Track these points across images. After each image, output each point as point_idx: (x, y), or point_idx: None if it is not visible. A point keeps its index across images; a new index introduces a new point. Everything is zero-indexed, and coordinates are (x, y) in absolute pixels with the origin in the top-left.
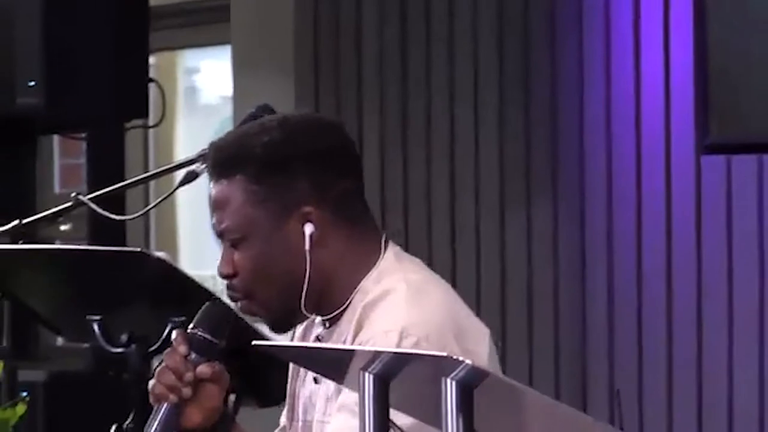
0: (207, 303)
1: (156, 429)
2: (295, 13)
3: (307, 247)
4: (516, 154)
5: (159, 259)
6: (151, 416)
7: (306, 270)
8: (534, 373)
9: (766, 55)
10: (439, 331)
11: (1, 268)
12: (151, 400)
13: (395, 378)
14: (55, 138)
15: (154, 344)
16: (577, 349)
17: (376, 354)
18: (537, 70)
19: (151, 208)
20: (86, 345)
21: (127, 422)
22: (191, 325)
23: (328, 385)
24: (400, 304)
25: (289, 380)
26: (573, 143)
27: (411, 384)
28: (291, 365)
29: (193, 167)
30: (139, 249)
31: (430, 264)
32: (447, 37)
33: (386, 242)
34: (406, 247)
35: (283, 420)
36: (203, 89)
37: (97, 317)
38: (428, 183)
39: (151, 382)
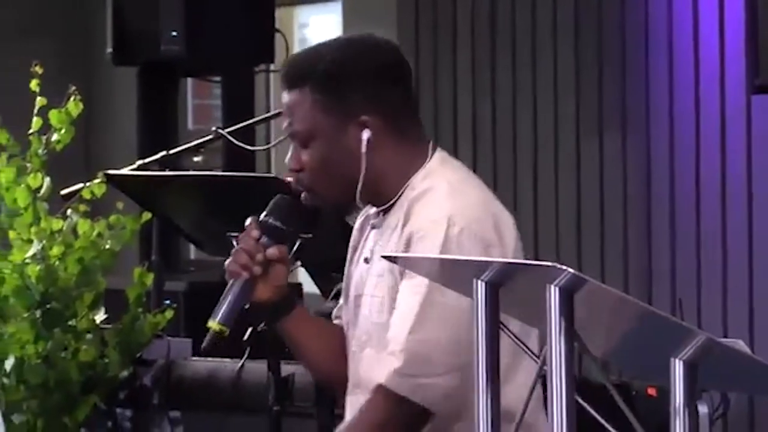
0: (277, 195)
1: (230, 300)
2: None
3: (363, 150)
4: (590, 91)
5: (290, 183)
6: (226, 290)
7: (362, 170)
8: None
9: None
10: (479, 219)
11: (153, 191)
12: (226, 276)
13: (504, 285)
14: (189, 81)
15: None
16: (644, 262)
17: (488, 263)
18: (608, 22)
19: (283, 140)
20: (221, 258)
21: (260, 326)
22: (263, 214)
23: (379, 264)
24: (442, 197)
25: (346, 265)
26: (640, 82)
27: (518, 290)
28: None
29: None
30: (273, 174)
31: (515, 183)
32: None
33: (434, 148)
34: (495, 167)
35: (341, 300)
36: (312, 41)
37: (236, 234)
38: (513, 124)
39: (227, 261)
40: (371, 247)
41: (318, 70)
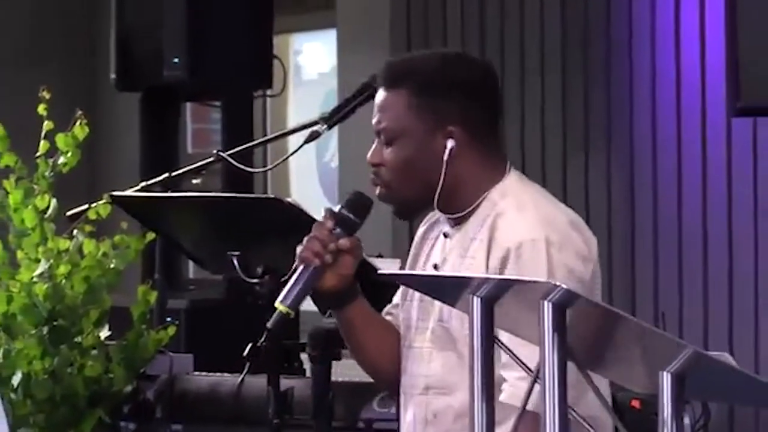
0: (354, 191)
1: (300, 286)
2: (391, 3)
3: (445, 158)
4: (576, 113)
5: (290, 204)
6: (295, 275)
7: (441, 176)
8: None
9: None
10: (571, 236)
11: (156, 212)
12: (297, 262)
13: (498, 301)
14: (188, 106)
15: (285, 276)
16: (628, 278)
17: (484, 280)
18: (593, 42)
19: (282, 161)
20: (220, 276)
21: (260, 341)
22: (338, 206)
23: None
24: (532, 215)
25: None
26: (624, 102)
27: (512, 306)
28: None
29: (316, 128)
30: (273, 195)
31: None
32: (519, 18)
33: (510, 167)
34: None
35: (396, 299)
36: (305, 67)
37: (236, 253)
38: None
39: (299, 248)
40: (442, 255)
41: (418, 75)
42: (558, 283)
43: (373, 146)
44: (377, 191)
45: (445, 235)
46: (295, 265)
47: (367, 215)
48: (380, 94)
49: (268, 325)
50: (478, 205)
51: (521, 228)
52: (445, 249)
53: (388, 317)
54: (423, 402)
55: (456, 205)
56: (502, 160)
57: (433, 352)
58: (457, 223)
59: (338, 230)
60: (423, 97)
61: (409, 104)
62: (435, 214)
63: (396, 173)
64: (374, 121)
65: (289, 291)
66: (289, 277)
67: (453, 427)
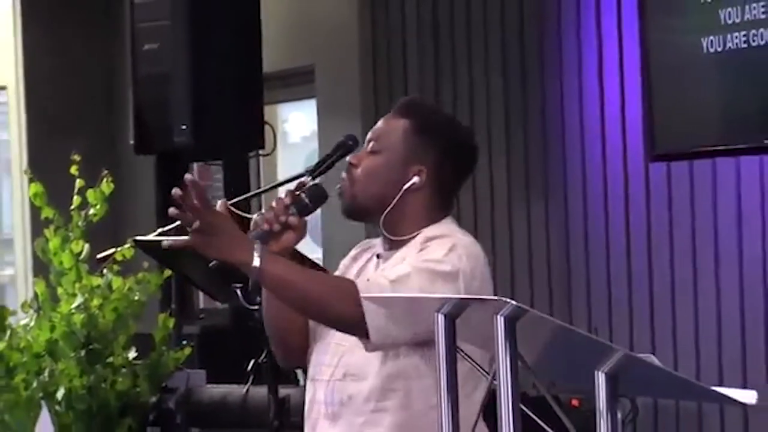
0: (316, 182)
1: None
2: (360, 77)
3: (405, 186)
4: (518, 167)
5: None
6: (248, 235)
7: (394, 199)
8: None
9: (692, 94)
10: (477, 254)
11: (171, 253)
12: (251, 226)
13: (460, 317)
14: (195, 166)
15: None
16: (565, 300)
17: (446, 299)
18: (532, 108)
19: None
20: (226, 305)
21: (261, 358)
22: (298, 191)
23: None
24: (452, 240)
25: None
26: (557, 154)
27: (471, 320)
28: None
29: (302, 179)
30: None
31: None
32: (468, 81)
33: (449, 217)
34: None
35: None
36: (290, 132)
37: (239, 285)
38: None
39: (256, 215)
40: (374, 272)
41: (424, 119)
42: (509, 300)
43: (357, 152)
44: (339, 188)
45: (378, 257)
46: (252, 226)
47: (320, 204)
48: (388, 116)
49: (211, 265)
50: (412, 237)
51: (438, 245)
52: (377, 268)
53: None
54: (340, 386)
55: (396, 230)
56: (447, 211)
57: (356, 346)
58: (392, 247)
59: (293, 209)
60: (417, 134)
61: (405, 132)
62: (368, 242)
63: (364, 176)
64: (372, 131)
65: None
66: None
67: (363, 407)
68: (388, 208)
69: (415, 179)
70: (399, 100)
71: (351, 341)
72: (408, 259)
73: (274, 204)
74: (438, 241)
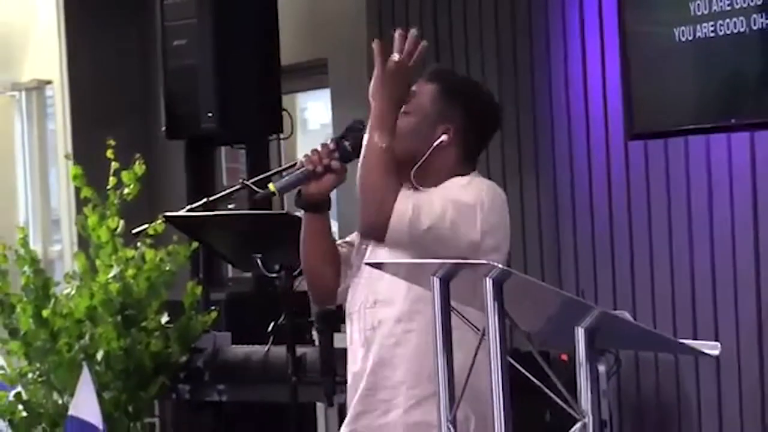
0: (356, 124)
1: (291, 179)
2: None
3: (434, 143)
4: (512, 145)
5: (299, 218)
6: (293, 172)
7: (425, 154)
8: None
9: (666, 79)
10: (496, 200)
11: (199, 227)
12: (297, 164)
13: (454, 279)
14: (222, 150)
15: (297, 270)
16: (555, 266)
17: (442, 264)
18: (523, 94)
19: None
20: (250, 274)
21: (280, 321)
22: (342, 137)
23: None
24: (472, 180)
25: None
26: (546, 133)
27: (464, 282)
28: None
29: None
30: (286, 212)
31: None
32: (465, 71)
33: (475, 172)
34: None
35: (350, 238)
36: (309, 119)
37: (260, 255)
38: None
39: (302, 154)
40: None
41: (451, 83)
42: (495, 264)
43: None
44: None
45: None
46: (297, 165)
47: (359, 155)
48: (419, 81)
49: (256, 196)
50: (439, 185)
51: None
52: None
53: (341, 242)
54: (371, 313)
55: (424, 182)
56: (471, 167)
57: (384, 274)
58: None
59: (336, 155)
60: (445, 97)
61: (433, 95)
62: None
63: (398, 134)
64: (409, 95)
65: (282, 179)
66: (291, 173)
67: (394, 329)
68: (419, 163)
69: (443, 137)
70: (428, 67)
71: (377, 272)
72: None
73: (320, 147)
74: (458, 180)
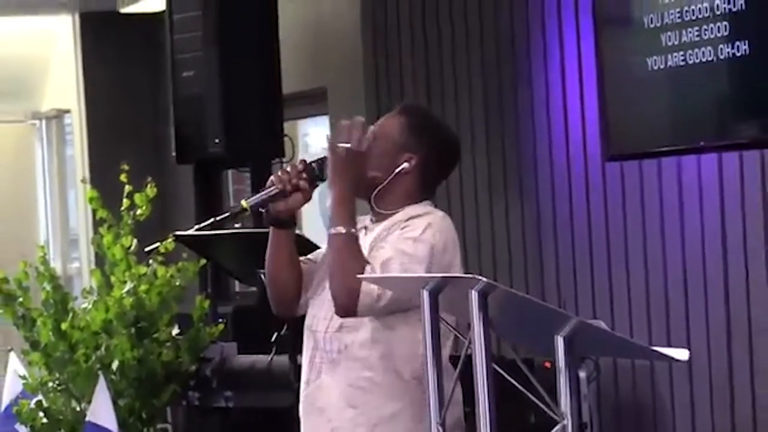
0: (326, 156)
1: (262, 197)
2: (365, 97)
3: (396, 170)
4: (497, 166)
5: (299, 235)
6: (263, 190)
7: (386, 179)
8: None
9: (640, 104)
10: (447, 232)
11: (207, 245)
12: (267, 183)
13: (442, 292)
14: (229, 173)
15: None
16: (538, 280)
17: (431, 278)
18: (508, 118)
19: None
20: (255, 288)
21: (283, 331)
22: (312, 160)
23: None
24: (427, 220)
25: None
26: (529, 153)
27: (451, 295)
28: None
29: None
30: None
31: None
32: (454, 98)
33: (429, 202)
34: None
35: (314, 256)
36: (311, 144)
37: (263, 271)
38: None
39: (272, 176)
40: (364, 242)
41: (419, 119)
42: (481, 277)
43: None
44: None
45: (365, 228)
46: (266, 184)
47: (326, 176)
48: (391, 113)
49: (229, 212)
50: (395, 212)
51: (418, 221)
52: (365, 239)
53: (303, 260)
54: (338, 337)
55: (383, 205)
56: (428, 196)
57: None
58: (378, 220)
59: (304, 175)
60: (412, 130)
61: (402, 127)
62: (358, 219)
63: (368, 156)
64: (376, 123)
65: (254, 197)
66: (262, 191)
67: (359, 353)
68: (381, 186)
69: (405, 165)
70: (401, 103)
71: None
72: (390, 240)
73: (289, 167)
74: (416, 221)
